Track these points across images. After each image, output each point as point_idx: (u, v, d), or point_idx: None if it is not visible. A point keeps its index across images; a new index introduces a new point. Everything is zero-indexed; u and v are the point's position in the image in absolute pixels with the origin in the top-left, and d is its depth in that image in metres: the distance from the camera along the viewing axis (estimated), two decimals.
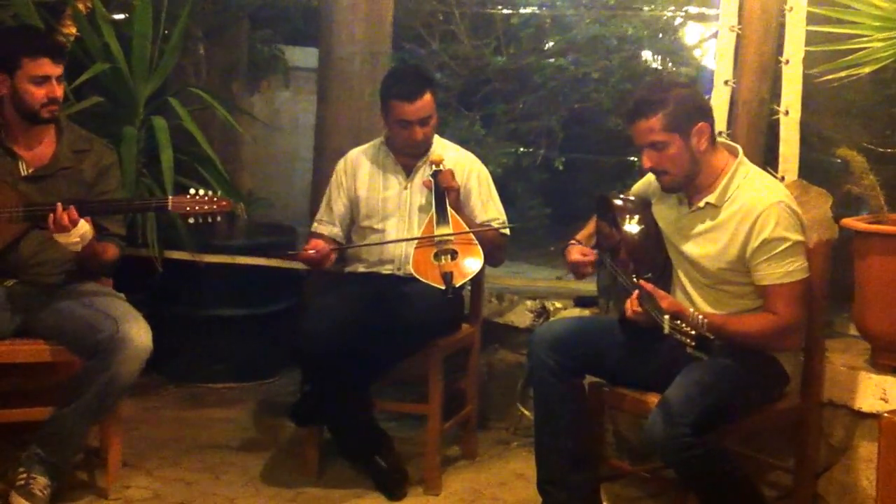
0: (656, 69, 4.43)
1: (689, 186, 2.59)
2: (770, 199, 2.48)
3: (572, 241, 2.90)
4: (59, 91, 2.80)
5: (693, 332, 2.20)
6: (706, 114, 2.55)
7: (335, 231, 3.27)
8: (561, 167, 4.58)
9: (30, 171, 2.82)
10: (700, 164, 2.53)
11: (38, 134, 2.85)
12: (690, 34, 4.40)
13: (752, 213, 2.47)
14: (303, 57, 4.76)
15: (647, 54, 4.51)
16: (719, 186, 2.54)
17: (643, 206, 2.77)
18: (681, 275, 2.67)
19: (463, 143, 3.44)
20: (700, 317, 2.25)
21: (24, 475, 2.71)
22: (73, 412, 2.72)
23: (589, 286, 3.09)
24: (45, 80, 2.76)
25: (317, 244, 3.07)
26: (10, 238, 2.73)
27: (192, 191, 2.77)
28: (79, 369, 2.77)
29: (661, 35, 4.45)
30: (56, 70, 2.79)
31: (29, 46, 2.79)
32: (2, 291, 2.78)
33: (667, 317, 2.24)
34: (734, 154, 2.59)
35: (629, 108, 2.56)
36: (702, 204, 2.57)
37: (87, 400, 2.70)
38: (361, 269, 3.24)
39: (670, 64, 4.43)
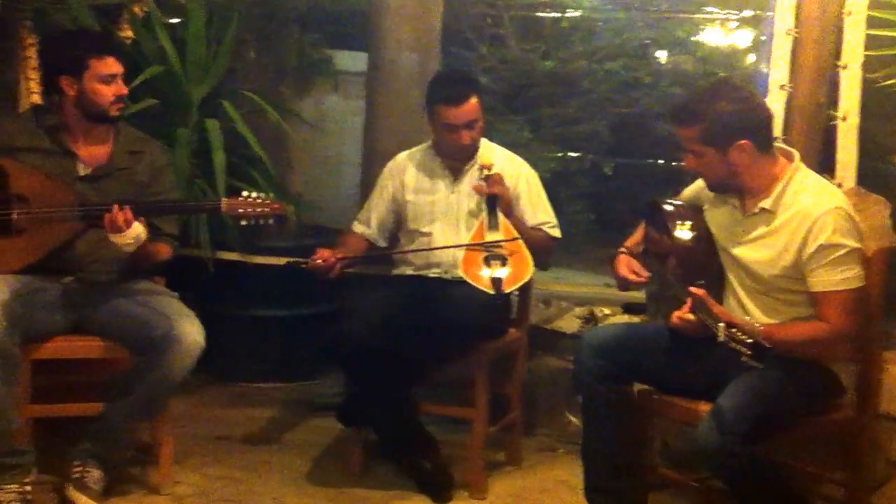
0: (707, 73, 4.39)
1: (735, 190, 2.56)
2: (828, 204, 2.44)
3: (622, 250, 2.86)
4: (125, 89, 2.87)
5: (749, 341, 2.16)
6: (751, 130, 2.47)
7: (368, 232, 3.29)
8: (609, 172, 4.55)
9: (87, 171, 2.86)
10: (740, 175, 2.50)
11: (97, 134, 2.89)
12: (743, 38, 4.35)
13: (809, 219, 2.43)
14: (351, 61, 4.78)
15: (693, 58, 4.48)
16: (775, 191, 2.50)
17: (694, 212, 2.73)
18: (734, 282, 2.63)
19: (509, 147, 3.44)
20: (756, 325, 2.20)
21: (80, 468, 2.75)
22: (123, 408, 2.76)
23: (637, 293, 3.05)
24: (112, 78, 2.82)
25: (322, 254, 3.03)
26: (66, 236, 2.76)
27: (245, 193, 2.79)
28: (129, 366, 2.80)
29: (712, 39, 4.42)
30: (120, 68, 2.85)
31: (94, 47, 2.84)
32: (58, 289, 2.81)
33: (721, 324, 2.20)
34: (791, 159, 2.55)
35: (673, 112, 2.59)
36: (756, 209, 2.53)
37: (137, 396, 2.74)
38: (409, 272, 3.24)
39: (721, 70, 4.39)
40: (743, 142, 2.46)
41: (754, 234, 2.54)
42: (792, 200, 2.49)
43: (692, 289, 2.40)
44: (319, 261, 3.01)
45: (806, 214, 2.44)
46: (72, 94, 2.81)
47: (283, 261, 3.74)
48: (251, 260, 3.79)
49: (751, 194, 2.55)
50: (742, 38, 4.33)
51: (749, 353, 2.15)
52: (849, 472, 2.70)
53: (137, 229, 2.68)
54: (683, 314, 2.40)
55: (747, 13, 4.18)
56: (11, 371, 2.60)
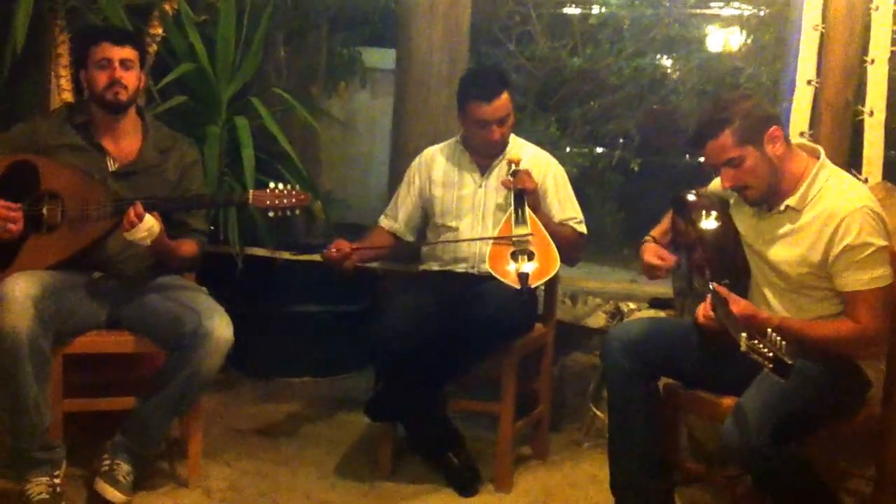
0: (732, 70, 4.37)
1: (779, 194, 2.52)
2: (853, 203, 2.41)
3: (647, 238, 2.86)
4: (120, 73, 2.79)
5: (771, 354, 2.10)
6: (775, 118, 2.49)
7: (395, 226, 3.32)
8: (637, 168, 4.54)
9: (116, 166, 2.87)
10: (781, 170, 2.48)
11: (123, 129, 2.90)
12: (769, 34, 4.32)
13: (835, 218, 2.41)
14: (380, 58, 4.80)
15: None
16: (800, 189, 2.48)
17: (721, 204, 2.71)
18: (760, 280, 2.61)
19: (538, 145, 3.45)
20: (779, 339, 2.14)
21: (109, 461, 2.79)
22: (156, 403, 2.78)
23: (664, 288, 3.05)
24: (107, 63, 2.79)
25: (339, 244, 3.05)
26: (98, 233, 2.77)
27: (272, 185, 2.81)
28: (159, 361, 2.84)
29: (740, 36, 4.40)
30: (118, 52, 2.80)
31: (91, 37, 2.86)
32: (90, 284, 2.84)
33: (744, 334, 2.16)
34: (815, 156, 2.53)
35: (694, 134, 2.54)
36: (782, 207, 2.51)
37: (170, 392, 2.76)
38: (436, 267, 3.26)
39: (746, 67, 4.36)
40: (773, 129, 2.45)
41: (780, 231, 2.52)
42: (817, 198, 2.46)
43: (714, 284, 2.38)
44: (334, 250, 3.02)
45: (831, 214, 2.42)
46: (87, 87, 2.85)
47: (307, 257, 3.79)
48: (278, 255, 3.82)
49: (776, 193, 2.53)
50: (768, 33, 4.30)
51: (770, 366, 2.11)
52: (875, 467, 2.67)
53: (150, 222, 2.68)
54: (707, 312, 2.38)
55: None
56: (43, 367, 2.63)
